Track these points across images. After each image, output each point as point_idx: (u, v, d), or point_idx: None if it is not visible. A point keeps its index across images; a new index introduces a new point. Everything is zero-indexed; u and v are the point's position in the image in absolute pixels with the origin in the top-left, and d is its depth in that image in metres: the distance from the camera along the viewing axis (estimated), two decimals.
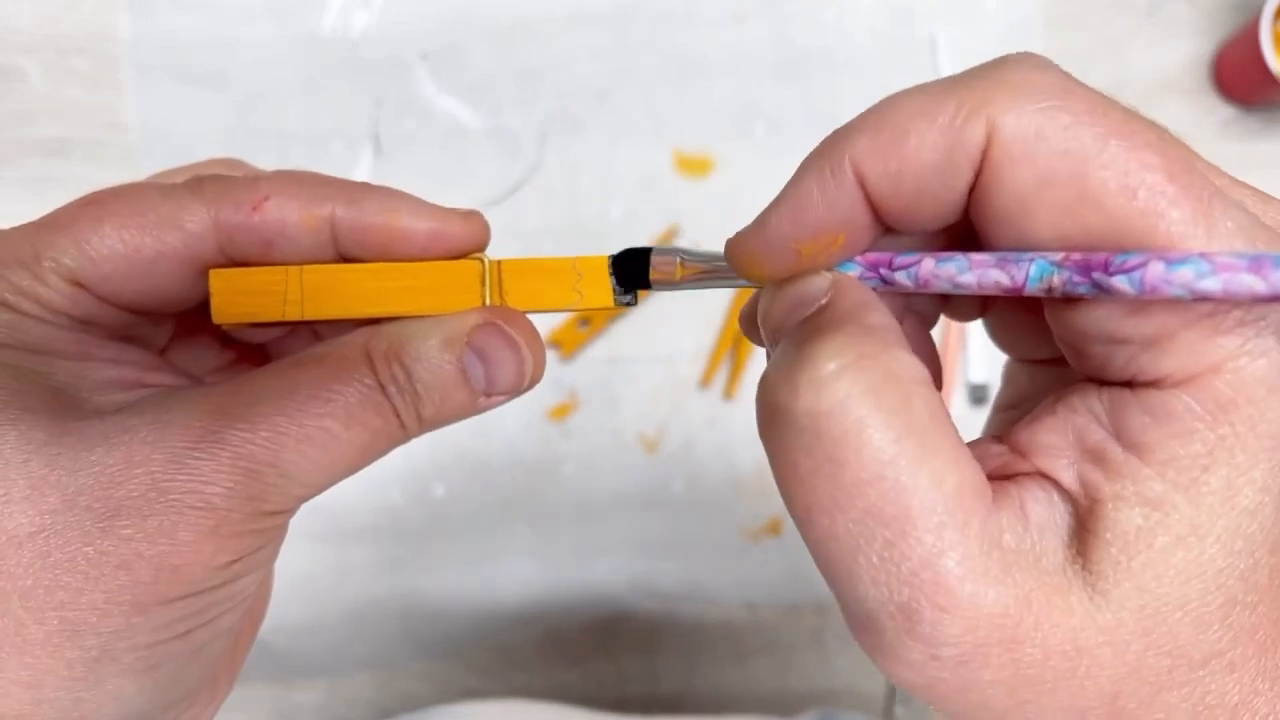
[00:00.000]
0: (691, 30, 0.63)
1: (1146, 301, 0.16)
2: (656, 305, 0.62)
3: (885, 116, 0.18)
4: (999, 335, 0.23)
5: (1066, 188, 0.16)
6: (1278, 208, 0.18)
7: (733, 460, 0.63)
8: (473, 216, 0.24)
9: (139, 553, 0.20)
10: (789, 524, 0.63)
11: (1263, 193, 0.18)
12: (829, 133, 0.19)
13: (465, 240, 0.24)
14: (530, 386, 0.24)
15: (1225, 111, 0.64)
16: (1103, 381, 0.18)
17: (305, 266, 0.23)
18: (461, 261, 0.23)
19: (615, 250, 0.24)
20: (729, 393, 0.62)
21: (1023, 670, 0.16)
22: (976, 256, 0.18)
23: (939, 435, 0.17)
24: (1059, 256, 0.17)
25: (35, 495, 0.19)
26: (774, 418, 0.18)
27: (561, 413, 0.62)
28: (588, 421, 0.62)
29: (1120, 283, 0.16)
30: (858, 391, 0.16)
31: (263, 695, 0.62)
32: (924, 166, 0.17)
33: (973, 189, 0.18)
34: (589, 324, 0.61)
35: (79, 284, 0.22)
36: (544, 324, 0.60)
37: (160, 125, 0.61)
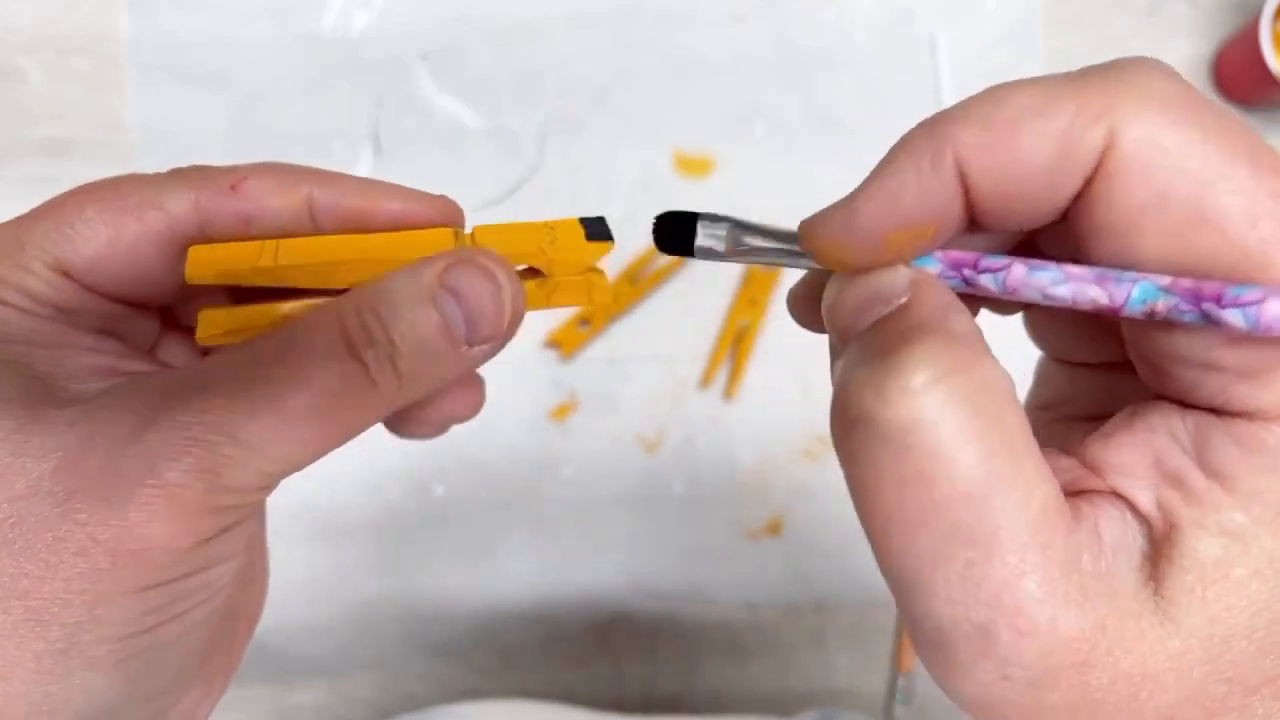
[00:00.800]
0: (691, 30, 0.63)
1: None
2: (656, 305, 0.62)
3: (997, 109, 0.17)
4: (1041, 334, 0.23)
5: (1184, 207, 0.16)
6: None
7: (733, 460, 0.63)
8: (444, 200, 0.24)
9: (94, 537, 0.19)
10: (789, 524, 0.63)
11: None
12: (925, 119, 0.18)
13: (435, 220, 0.24)
14: (511, 329, 0.22)
15: None
16: (1184, 404, 0.17)
17: (281, 240, 0.23)
18: (436, 230, 0.23)
19: (611, 274, 0.24)
20: (729, 393, 0.62)
21: (1090, 694, 0.16)
22: (1073, 269, 0.17)
23: (1027, 452, 0.16)
24: (1166, 280, 0.16)
25: (1, 483, 0.19)
26: (858, 426, 0.17)
27: (561, 413, 0.62)
28: (588, 421, 0.62)
29: (1233, 316, 0.15)
30: (951, 406, 0.16)
31: (262, 695, 0.62)
32: (1033, 167, 0.17)
33: (1078, 196, 0.17)
34: (589, 324, 0.61)
35: (63, 271, 0.22)
36: (544, 324, 0.60)
37: (160, 125, 0.61)
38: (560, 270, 0.23)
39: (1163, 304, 0.16)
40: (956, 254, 0.19)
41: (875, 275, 0.19)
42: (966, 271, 0.19)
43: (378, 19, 0.62)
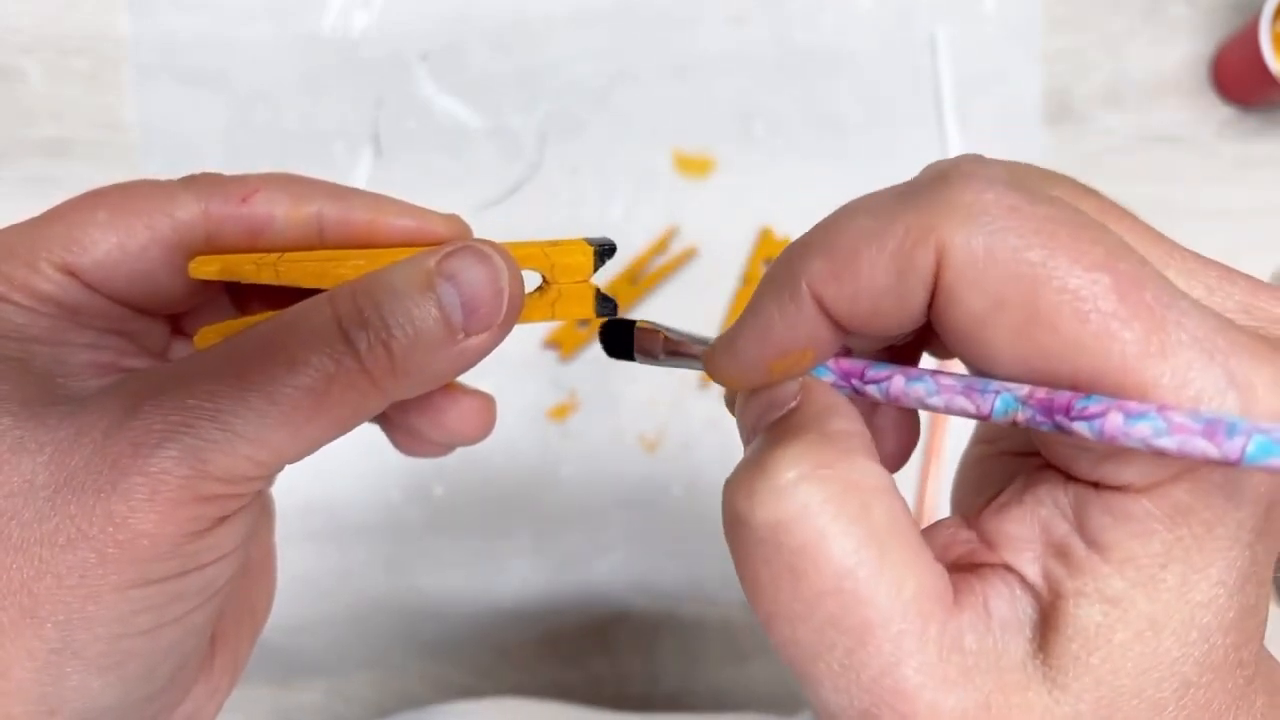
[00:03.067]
0: (691, 30, 0.63)
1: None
2: (656, 305, 0.62)
3: (837, 238, 0.18)
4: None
5: (1019, 311, 0.16)
6: (1242, 284, 0.18)
7: (733, 461, 0.62)
8: (453, 220, 0.24)
9: (82, 530, 0.19)
10: None
11: (1225, 269, 0.18)
12: (783, 251, 0.19)
13: (444, 239, 0.24)
14: (510, 317, 0.22)
15: (1224, 111, 0.64)
16: (1069, 476, 0.18)
17: (284, 253, 0.23)
18: (439, 248, 0.24)
19: (611, 273, 0.24)
20: None
21: None
22: (945, 380, 0.18)
23: (898, 542, 0.17)
24: (1024, 392, 0.17)
25: (21, 495, 0.19)
26: (734, 526, 0.18)
27: (561, 413, 0.62)
28: (588, 421, 0.62)
29: (1081, 428, 0.16)
30: (816, 501, 0.17)
31: (262, 695, 0.62)
32: (877, 289, 0.17)
33: (930, 306, 0.17)
34: (589, 323, 0.61)
35: (71, 272, 0.22)
36: (544, 325, 0.60)
37: (160, 125, 0.61)
38: (562, 275, 0.24)
39: (1021, 415, 0.17)
40: (846, 364, 0.20)
41: (774, 388, 0.20)
42: (855, 381, 0.20)
43: (378, 19, 0.62)
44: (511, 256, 0.22)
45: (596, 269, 0.24)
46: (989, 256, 0.16)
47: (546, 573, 0.62)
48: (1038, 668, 0.17)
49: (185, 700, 0.23)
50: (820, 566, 0.16)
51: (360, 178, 0.62)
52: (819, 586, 0.16)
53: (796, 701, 0.64)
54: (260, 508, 0.27)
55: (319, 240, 0.23)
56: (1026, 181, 0.18)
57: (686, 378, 0.62)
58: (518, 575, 0.62)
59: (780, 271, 0.19)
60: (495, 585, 0.62)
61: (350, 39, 0.62)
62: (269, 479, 0.22)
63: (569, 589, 0.63)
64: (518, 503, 0.62)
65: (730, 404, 0.23)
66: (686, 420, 0.62)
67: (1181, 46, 0.64)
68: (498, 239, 0.25)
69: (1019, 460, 0.21)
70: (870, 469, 0.18)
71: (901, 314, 0.18)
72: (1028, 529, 0.18)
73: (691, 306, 0.62)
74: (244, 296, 0.26)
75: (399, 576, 0.62)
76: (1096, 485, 0.17)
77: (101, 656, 0.20)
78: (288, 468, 0.21)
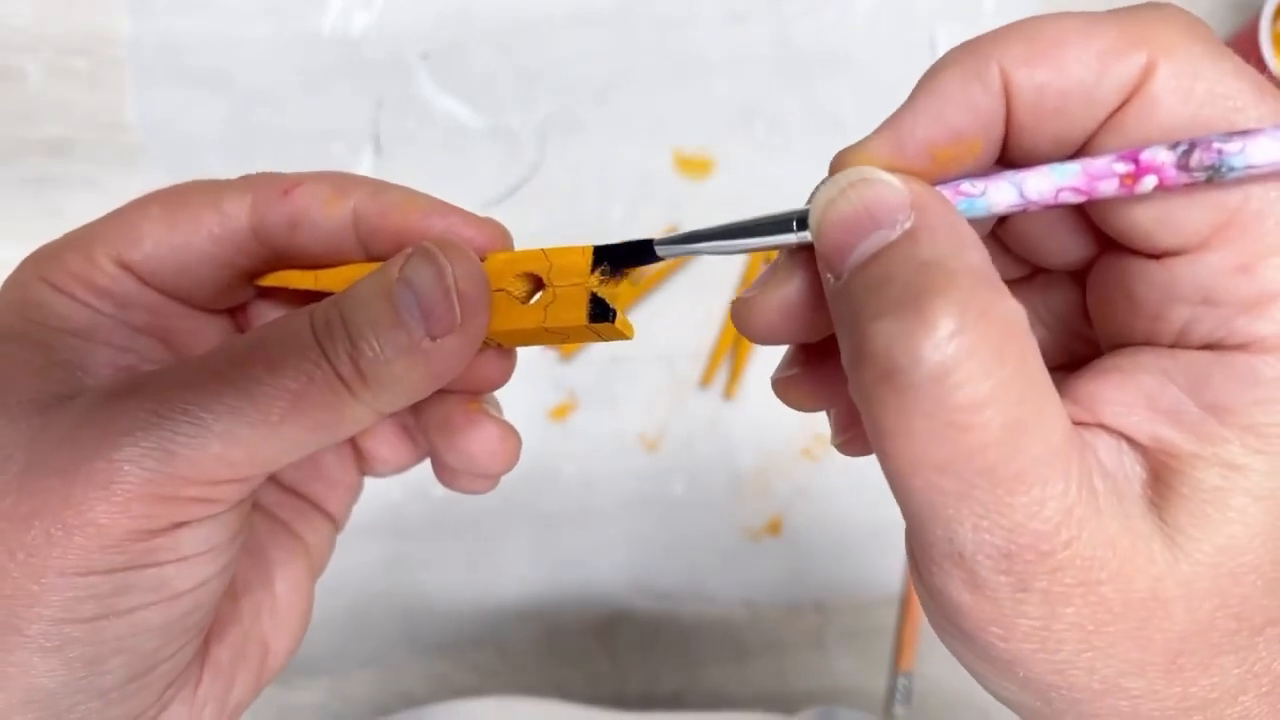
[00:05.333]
0: (691, 30, 0.63)
1: (1252, 258, 0.16)
2: (656, 305, 0.62)
3: (1041, 29, 0.17)
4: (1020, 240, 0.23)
5: (1215, 130, 0.16)
6: None
7: (733, 460, 0.63)
8: (487, 223, 0.24)
9: (37, 510, 0.19)
10: (789, 524, 0.63)
11: None
12: (963, 42, 0.18)
13: (479, 244, 0.23)
14: (470, 317, 0.22)
15: None
16: (1172, 345, 0.18)
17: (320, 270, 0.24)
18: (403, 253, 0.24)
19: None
20: (729, 393, 0.62)
21: (1100, 614, 0.16)
22: (1087, 161, 0.17)
23: (1047, 388, 0.17)
24: (1168, 144, 0.17)
25: None
26: (889, 379, 0.16)
27: (561, 413, 0.62)
28: (588, 421, 0.62)
29: (1233, 149, 0.16)
30: (979, 354, 0.16)
31: (262, 694, 0.62)
32: (1073, 84, 0.17)
33: (1108, 119, 0.17)
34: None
35: (124, 265, 0.23)
36: None
37: (160, 125, 0.61)
38: (559, 276, 0.23)
39: (1167, 159, 0.17)
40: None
41: (868, 186, 0.18)
42: (966, 186, 0.18)
43: (378, 19, 0.62)
44: (471, 257, 0.22)
45: (597, 272, 0.23)
46: (1199, 73, 0.17)
47: (546, 573, 0.62)
48: (1155, 523, 0.17)
49: (161, 713, 0.23)
50: (987, 421, 0.16)
51: None
52: (983, 439, 0.16)
53: (797, 701, 0.64)
54: (283, 543, 0.27)
55: (352, 234, 0.24)
56: None
57: (686, 377, 0.62)
58: (518, 575, 0.62)
59: (966, 53, 0.18)
60: (495, 585, 0.62)
61: (350, 39, 0.62)
62: (243, 486, 0.21)
63: (569, 589, 0.63)
64: (518, 503, 0.62)
65: (785, 390, 0.22)
66: (686, 420, 0.62)
67: None
68: None
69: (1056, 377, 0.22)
70: (1018, 309, 0.17)
71: (1081, 123, 0.17)
72: (1131, 394, 0.18)
73: (691, 307, 0.62)
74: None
75: (399, 576, 0.62)
76: (1214, 348, 0.17)
77: (43, 637, 0.20)
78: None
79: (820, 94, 0.63)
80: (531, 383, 0.61)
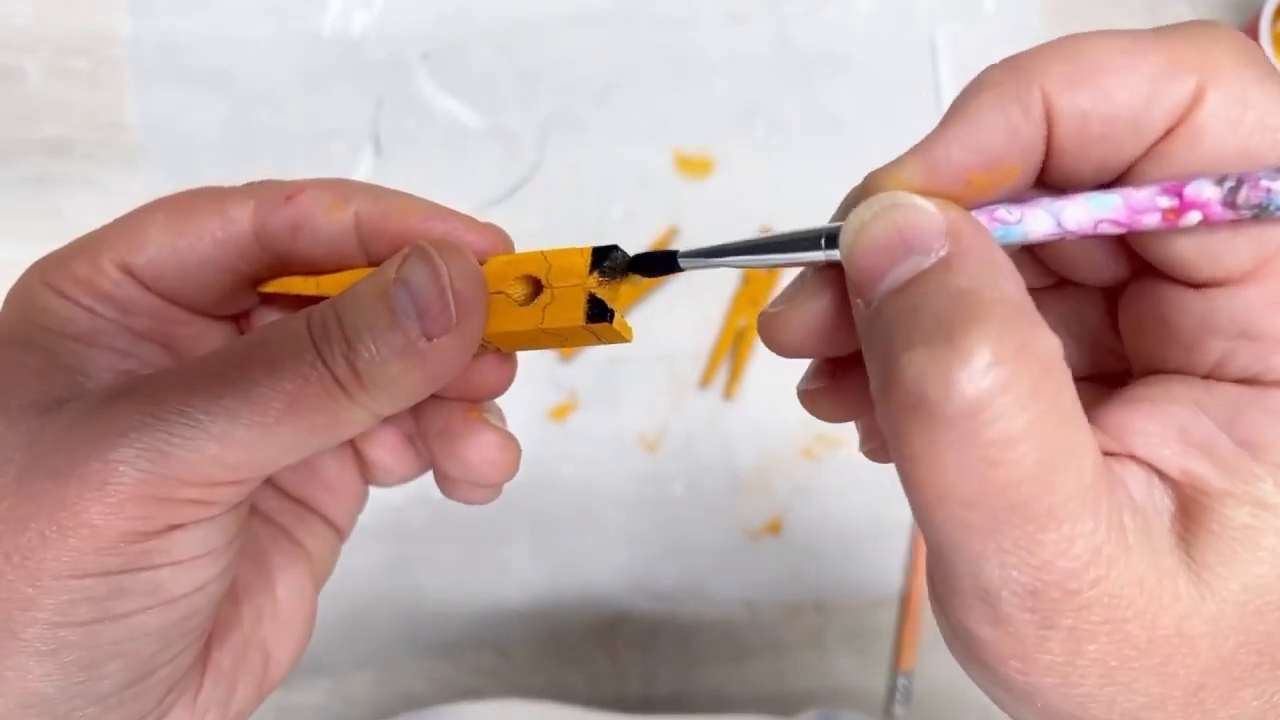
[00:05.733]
0: (691, 30, 0.63)
1: None
2: (656, 305, 0.62)
3: (1084, 51, 0.17)
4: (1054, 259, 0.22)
5: (1264, 165, 0.16)
6: None
7: (733, 460, 0.63)
8: (488, 228, 0.24)
9: (33, 512, 0.19)
10: (789, 524, 0.63)
11: None
12: (1003, 60, 0.17)
13: (480, 248, 0.23)
14: (467, 317, 0.21)
15: None
16: (1211, 378, 0.18)
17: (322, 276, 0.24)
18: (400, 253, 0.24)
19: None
20: (729, 393, 0.62)
21: (1125, 651, 0.16)
22: (1128, 192, 0.17)
23: (1081, 424, 0.16)
24: (1216, 178, 0.16)
25: None
26: (919, 410, 0.16)
27: (561, 413, 0.62)
28: (588, 421, 0.62)
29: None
30: (1015, 389, 0.15)
31: None
32: (1119, 110, 0.16)
33: (1152, 148, 0.17)
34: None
35: (128, 270, 0.23)
36: None
37: (160, 125, 0.61)
38: (557, 277, 0.23)
39: (1213, 195, 0.16)
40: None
41: (902, 212, 0.17)
42: (1003, 211, 0.18)
43: (378, 19, 0.62)
44: (467, 256, 0.22)
45: (596, 272, 0.22)
46: (1250, 103, 0.16)
47: (546, 573, 0.62)
48: (1183, 559, 0.16)
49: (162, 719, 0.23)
50: (1020, 458, 0.15)
51: (360, 178, 0.62)
52: (1015, 476, 0.15)
53: (797, 702, 0.64)
54: (285, 549, 0.27)
55: (354, 239, 0.24)
56: None
57: (686, 377, 0.62)
58: (518, 575, 0.62)
59: (1006, 74, 0.17)
60: (495, 585, 0.62)
61: (350, 39, 0.62)
62: (240, 488, 0.21)
63: (569, 589, 0.63)
64: (518, 503, 0.62)
65: (811, 401, 0.22)
66: (686, 420, 0.62)
67: None
68: None
69: (1083, 387, 0.21)
70: (1055, 343, 0.16)
71: (1129, 145, 0.17)
72: (1163, 425, 0.17)
73: (691, 307, 0.62)
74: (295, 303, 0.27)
75: (400, 577, 0.62)
76: (1251, 383, 0.17)
77: (39, 641, 0.19)
78: None
79: (820, 94, 0.63)
80: (531, 383, 0.61)
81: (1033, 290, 0.22)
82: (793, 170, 0.63)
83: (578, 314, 0.22)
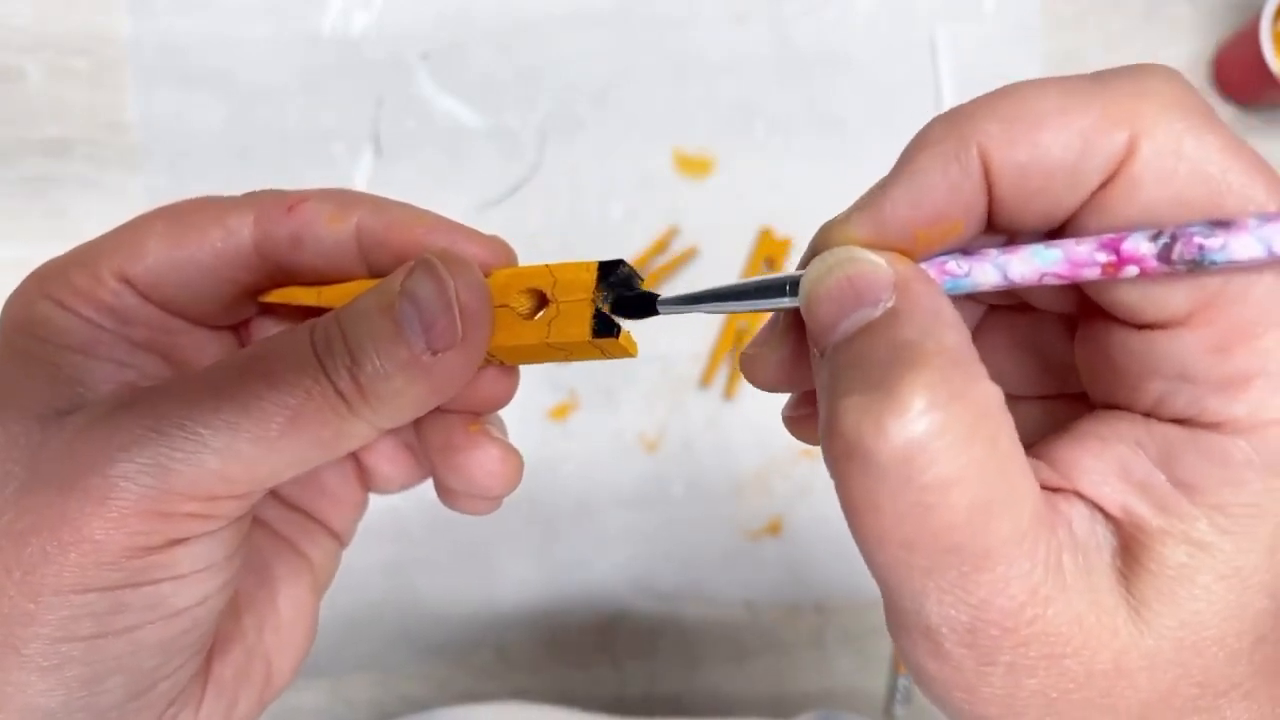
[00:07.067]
0: (691, 30, 0.63)
1: (1229, 340, 0.16)
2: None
3: (1019, 106, 0.17)
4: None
5: (1199, 213, 0.16)
6: None
7: (733, 460, 0.63)
8: (491, 241, 0.24)
9: (34, 526, 0.19)
10: (789, 524, 0.63)
11: None
12: (941, 115, 0.18)
13: (483, 260, 0.23)
14: (472, 331, 0.21)
15: (1225, 111, 0.64)
16: (1150, 416, 0.18)
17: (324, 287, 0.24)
18: (406, 266, 0.24)
19: (610, 256, 0.23)
20: (729, 393, 0.62)
21: (1064, 684, 0.17)
22: (1068, 243, 0.17)
23: (1019, 469, 0.16)
24: (1153, 232, 0.16)
25: None
26: (854, 456, 0.16)
27: (561, 413, 0.62)
28: (588, 421, 0.62)
29: (1214, 245, 0.16)
30: (949, 436, 0.16)
31: None
32: (1054, 165, 0.17)
33: (1090, 199, 0.17)
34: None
35: (126, 279, 0.22)
36: None
37: (160, 125, 0.61)
38: (563, 292, 0.23)
39: (1147, 251, 0.16)
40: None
41: (854, 265, 0.18)
42: (952, 264, 0.18)
43: (378, 19, 0.62)
44: (473, 270, 0.22)
45: (602, 287, 0.22)
46: (1183, 153, 0.16)
47: (546, 573, 0.62)
48: (1123, 596, 0.17)
49: None
50: (953, 503, 0.16)
51: (360, 178, 0.62)
52: (948, 520, 0.16)
53: (797, 702, 0.64)
54: (287, 559, 0.27)
55: (355, 250, 0.23)
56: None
57: (686, 377, 0.62)
58: (518, 576, 0.62)
59: (945, 132, 0.18)
60: (495, 586, 0.62)
61: (350, 39, 0.62)
62: (241, 502, 0.21)
63: (569, 589, 0.63)
64: (517, 503, 0.62)
65: (748, 369, 0.22)
66: (686, 420, 0.62)
67: (1182, 46, 0.64)
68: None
69: (1044, 405, 0.21)
70: (993, 391, 0.17)
71: (1066, 198, 0.17)
72: (1105, 463, 0.18)
73: None
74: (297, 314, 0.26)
75: (400, 578, 0.62)
76: (1188, 424, 0.17)
77: (40, 656, 0.19)
78: None
79: (820, 94, 0.63)
80: (531, 383, 0.61)
81: (997, 310, 0.22)
82: (793, 170, 0.63)
83: (584, 329, 0.22)
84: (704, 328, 0.62)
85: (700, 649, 0.64)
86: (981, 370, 0.17)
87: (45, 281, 0.22)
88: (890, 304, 0.17)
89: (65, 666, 0.20)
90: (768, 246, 0.61)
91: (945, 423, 0.16)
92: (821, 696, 0.64)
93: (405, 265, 0.21)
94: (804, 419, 0.23)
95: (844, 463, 0.16)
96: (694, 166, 0.63)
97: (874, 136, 0.62)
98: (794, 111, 0.63)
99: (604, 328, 0.22)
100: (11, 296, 0.23)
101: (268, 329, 0.26)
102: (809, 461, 0.63)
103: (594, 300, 0.22)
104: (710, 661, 0.64)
